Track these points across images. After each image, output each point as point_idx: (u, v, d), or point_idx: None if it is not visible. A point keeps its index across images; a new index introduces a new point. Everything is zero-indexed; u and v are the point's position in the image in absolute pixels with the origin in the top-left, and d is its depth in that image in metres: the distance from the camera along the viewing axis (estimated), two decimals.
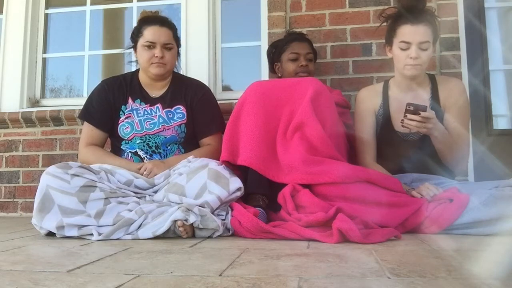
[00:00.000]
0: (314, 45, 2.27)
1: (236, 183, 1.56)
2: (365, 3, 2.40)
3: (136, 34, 1.89)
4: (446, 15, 2.28)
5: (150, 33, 1.84)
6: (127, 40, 2.02)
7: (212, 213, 1.49)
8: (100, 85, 1.96)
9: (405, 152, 1.79)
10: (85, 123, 1.93)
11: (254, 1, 2.59)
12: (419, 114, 1.56)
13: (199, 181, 1.54)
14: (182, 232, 1.41)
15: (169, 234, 1.43)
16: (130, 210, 1.50)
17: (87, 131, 1.90)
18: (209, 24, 2.59)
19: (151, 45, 1.84)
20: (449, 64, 2.28)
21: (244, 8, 2.69)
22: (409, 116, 1.57)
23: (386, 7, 1.86)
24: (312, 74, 2.15)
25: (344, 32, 2.40)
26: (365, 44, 2.38)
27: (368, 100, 1.88)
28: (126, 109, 1.90)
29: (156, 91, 1.94)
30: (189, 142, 1.91)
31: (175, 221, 1.40)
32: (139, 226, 1.45)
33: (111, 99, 1.90)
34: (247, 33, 2.64)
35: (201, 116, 1.93)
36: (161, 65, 1.86)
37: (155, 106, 1.91)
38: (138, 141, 1.86)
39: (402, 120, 1.60)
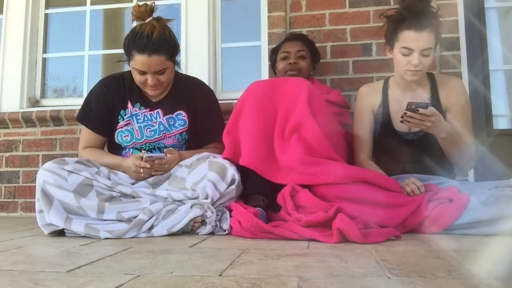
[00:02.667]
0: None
1: (232, 170, 1.61)
2: (365, 3, 2.40)
3: (127, 52, 1.73)
4: (446, 15, 2.27)
5: (139, 63, 1.68)
6: None
7: (212, 205, 1.57)
8: (99, 86, 1.85)
9: (405, 152, 1.79)
10: (83, 127, 1.86)
11: (254, 1, 2.59)
12: (418, 111, 1.56)
13: (200, 173, 1.61)
14: (195, 227, 1.53)
15: (181, 230, 1.52)
16: (130, 210, 1.54)
17: (86, 135, 1.84)
18: (209, 24, 2.59)
19: (141, 72, 1.71)
20: (449, 64, 2.28)
21: (244, 8, 2.68)
22: (409, 113, 1.57)
23: (387, 7, 1.85)
24: (305, 72, 2.14)
25: (344, 32, 2.40)
26: (365, 44, 2.38)
27: (367, 98, 1.89)
28: (125, 114, 1.82)
29: (156, 96, 1.85)
30: (189, 146, 1.88)
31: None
32: (151, 227, 1.51)
33: (109, 103, 1.82)
34: (247, 33, 2.64)
35: (207, 122, 1.87)
36: (155, 89, 1.76)
37: (155, 111, 1.83)
38: (138, 147, 1.83)
39: (402, 116, 1.60)
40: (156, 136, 1.82)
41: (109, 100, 1.82)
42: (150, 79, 1.71)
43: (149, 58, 1.67)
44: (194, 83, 1.94)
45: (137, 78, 1.74)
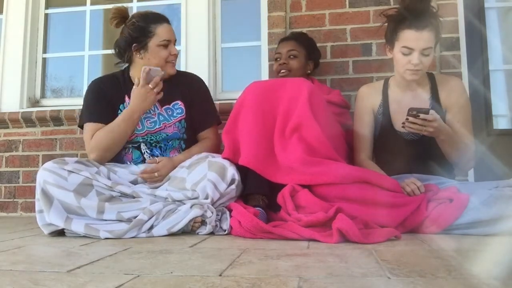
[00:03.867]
0: None
1: (232, 170, 1.62)
2: (365, 3, 2.39)
3: (144, 34, 1.80)
4: (446, 15, 2.27)
5: (164, 31, 1.81)
6: None
7: (212, 205, 1.58)
8: (95, 84, 1.87)
9: (405, 151, 1.79)
10: (86, 125, 1.81)
11: (254, 1, 2.59)
12: (419, 116, 1.56)
13: (200, 173, 1.61)
14: (195, 227, 1.54)
15: (181, 230, 1.52)
16: (130, 210, 1.54)
17: (90, 130, 1.77)
18: (209, 24, 2.59)
19: (167, 44, 1.82)
20: (449, 64, 2.28)
21: (244, 8, 2.68)
22: (410, 119, 1.58)
23: (387, 7, 1.85)
24: (296, 71, 2.12)
25: (344, 32, 2.40)
26: (365, 44, 2.38)
27: (367, 98, 1.89)
28: (124, 108, 1.83)
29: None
30: (189, 136, 1.89)
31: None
32: (151, 226, 1.51)
33: (108, 97, 1.83)
34: (247, 33, 2.64)
35: (199, 109, 1.91)
36: (175, 63, 1.87)
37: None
38: (140, 140, 1.83)
39: (403, 123, 1.60)
40: (157, 127, 1.84)
41: (108, 94, 1.84)
42: (173, 49, 1.85)
43: (169, 25, 1.86)
44: (184, 74, 1.99)
45: (162, 54, 1.82)
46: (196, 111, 1.90)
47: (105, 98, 1.84)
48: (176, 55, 1.86)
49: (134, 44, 1.81)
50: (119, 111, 1.84)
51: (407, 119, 1.58)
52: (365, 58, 2.37)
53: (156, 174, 1.71)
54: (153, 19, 1.82)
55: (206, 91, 1.98)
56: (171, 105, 1.88)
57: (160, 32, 1.81)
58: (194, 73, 2.04)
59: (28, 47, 2.76)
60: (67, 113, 2.55)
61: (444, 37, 2.26)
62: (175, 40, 1.88)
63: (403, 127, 1.62)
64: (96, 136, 1.75)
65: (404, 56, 1.68)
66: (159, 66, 1.82)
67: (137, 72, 1.82)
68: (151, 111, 1.85)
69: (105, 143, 1.74)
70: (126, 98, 1.86)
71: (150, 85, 1.75)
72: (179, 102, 1.89)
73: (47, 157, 2.58)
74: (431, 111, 1.59)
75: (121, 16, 1.83)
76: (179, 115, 1.87)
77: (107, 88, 1.85)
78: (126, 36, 1.82)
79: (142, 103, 1.76)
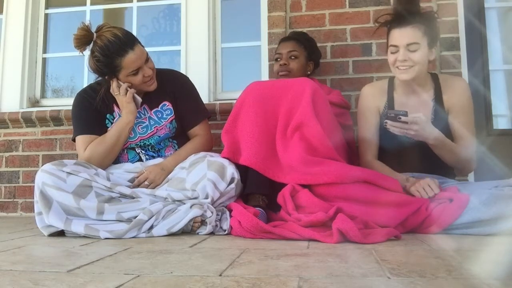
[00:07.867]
0: None
1: (231, 169, 1.61)
2: (365, 3, 2.40)
3: (112, 69, 1.72)
4: (446, 15, 2.28)
5: (130, 62, 1.69)
6: None
7: (212, 204, 1.58)
8: (79, 97, 1.84)
9: (408, 152, 1.78)
10: (78, 138, 1.78)
11: (254, 1, 2.59)
12: (400, 119, 1.58)
13: (199, 173, 1.61)
14: (195, 227, 1.53)
15: (181, 230, 1.52)
16: (130, 211, 1.54)
17: (83, 143, 1.75)
18: (209, 24, 2.59)
19: (137, 71, 1.73)
20: (449, 64, 2.28)
21: (244, 8, 2.68)
22: (390, 122, 1.59)
23: (387, 7, 1.85)
24: (296, 72, 2.11)
25: (344, 32, 2.40)
26: (365, 44, 2.38)
27: (372, 98, 1.88)
28: (113, 118, 1.82)
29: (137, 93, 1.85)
30: (180, 134, 1.89)
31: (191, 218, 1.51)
32: (151, 226, 1.51)
33: (96, 107, 1.80)
34: (247, 33, 2.64)
35: (186, 106, 1.89)
36: (153, 80, 1.79)
37: (141, 108, 1.84)
38: (134, 146, 1.83)
39: (385, 124, 1.62)
40: (149, 131, 1.83)
41: (95, 104, 1.81)
42: (146, 70, 1.74)
43: (133, 52, 1.69)
44: (167, 72, 1.94)
45: (136, 80, 1.75)
46: (183, 109, 1.88)
47: (94, 109, 1.80)
48: (150, 75, 1.76)
49: (106, 77, 1.77)
50: (107, 120, 1.82)
51: (386, 122, 1.60)
52: (365, 58, 2.37)
53: (146, 182, 1.70)
54: (115, 51, 1.67)
55: (190, 87, 1.94)
56: (159, 107, 1.86)
57: (126, 64, 1.69)
58: (176, 70, 2.02)
59: (28, 47, 2.76)
60: (67, 113, 2.55)
61: (444, 37, 2.26)
62: (147, 58, 1.74)
63: (386, 128, 1.63)
64: (89, 148, 1.73)
65: (392, 54, 1.71)
66: (137, 89, 1.79)
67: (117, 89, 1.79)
68: (142, 115, 1.84)
69: (101, 152, 1.73)
70: (115, 108, 1.83)
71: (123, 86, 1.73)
72: (167, 103, 1.87)
73: (47, 157, 2.58)
74: (418, 114, 1.60)
75: (86, 41, 1.71)
76: (169, 116, 1.86)
77: (92, 99, 1.81)
78: (95, 68, 1.75)
79: (128, 109, 1.75)
